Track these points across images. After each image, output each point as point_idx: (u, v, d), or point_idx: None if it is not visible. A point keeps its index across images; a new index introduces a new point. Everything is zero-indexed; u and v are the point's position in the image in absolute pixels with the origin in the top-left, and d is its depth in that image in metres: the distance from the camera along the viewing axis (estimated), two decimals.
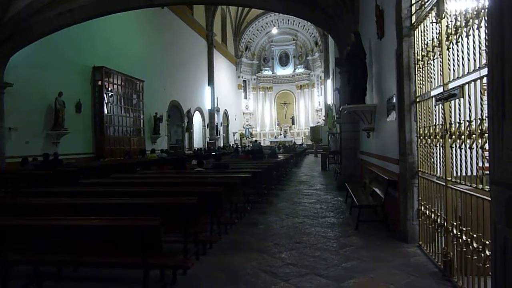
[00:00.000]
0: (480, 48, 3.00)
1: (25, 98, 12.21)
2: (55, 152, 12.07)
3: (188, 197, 4.31)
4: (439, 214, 4.19)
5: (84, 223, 3.38)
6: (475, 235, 3.20)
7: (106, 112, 16.11)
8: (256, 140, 35.10)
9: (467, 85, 3.28)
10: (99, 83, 15.85)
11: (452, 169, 3.73)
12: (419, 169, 4.97)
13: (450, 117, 3.75)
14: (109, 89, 16.49)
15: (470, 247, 3.27)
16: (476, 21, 3.05)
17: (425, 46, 4.56)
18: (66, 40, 13.65)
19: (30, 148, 12.11)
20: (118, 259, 3.56)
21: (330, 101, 21.96)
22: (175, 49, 23.92)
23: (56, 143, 13.38)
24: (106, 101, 16.15)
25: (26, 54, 11.89)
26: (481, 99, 2.98)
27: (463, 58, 3.37)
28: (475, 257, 3.17)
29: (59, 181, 7.88)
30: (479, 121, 3.01)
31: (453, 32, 3.60)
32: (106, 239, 3.39)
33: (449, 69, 3.80)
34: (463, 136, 3.37)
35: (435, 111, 4.27)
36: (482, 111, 2.98)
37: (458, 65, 3.49)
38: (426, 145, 4.62)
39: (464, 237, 3.43)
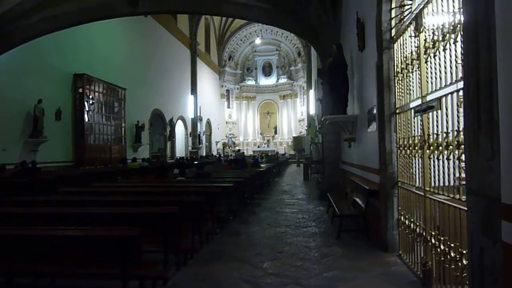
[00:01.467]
0: (456, 61, 3.08)
1: (3, 104, 11.95)
2: (33, 160, 11.82)
3: (169, 207, 4.27)
4: (418, 223, 4.25)
5: (62, 233, 3.31)
6: (452, 245, 3.25)
7: (86, 120, 15.90)
8: (239, 150, 35.01)
9: (444, 97, 3.37)
10: (80, 90, 15.66)
11: (431, 179, 3.79)
12: (398, 179, 5.04)
13: (428, 128, 3.83)
14: (90, 96, 16.29)
15: (448, 256, 3.32)
16: (453, 35, 3.14)
17: (404, 59, 4.66)
18: (47, 46, 13.46)
19: (7, 156, 11.81)
20: (96, 270, 3.49)
21: (312, 111, 22.14)
22: (158, 58, 23.82)
23: (34, 151, 13.11)
24: (87, 109, 15.95)
25: (6, 59, 11.67)
26: (458, 111, 3.06)
27: (440, 71, 3.45)
28: (453, 266, 3.22)
29: (37, 190, 7.70)
30: (456, 132, 3.09)
31: (431, 46, 3.70)
32: (85, 249, 3.33)
33: (427, 82, 3.88)
34: (440, 147, 3.44)
35: (414, 122, 4.35)
36: (458, 123, 3.05)
37: (436, 78, 3.57)
38: (405, 155, 4.69)
39: (442, 247, 3.48)
